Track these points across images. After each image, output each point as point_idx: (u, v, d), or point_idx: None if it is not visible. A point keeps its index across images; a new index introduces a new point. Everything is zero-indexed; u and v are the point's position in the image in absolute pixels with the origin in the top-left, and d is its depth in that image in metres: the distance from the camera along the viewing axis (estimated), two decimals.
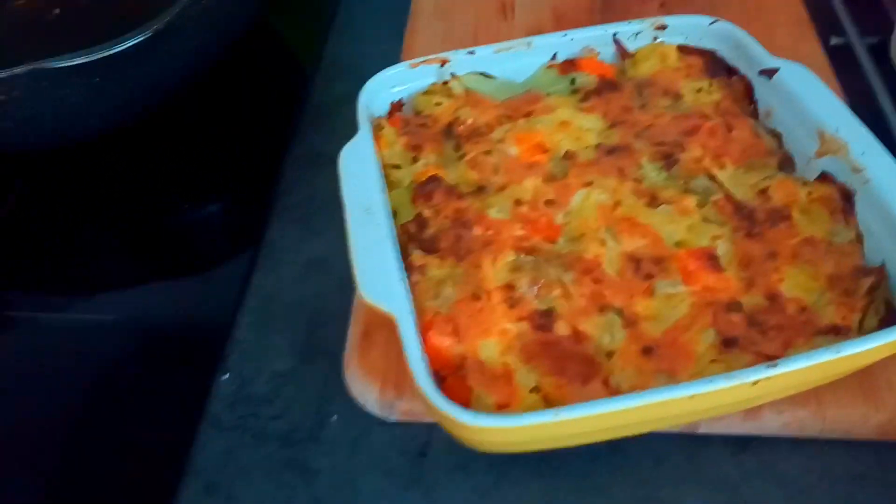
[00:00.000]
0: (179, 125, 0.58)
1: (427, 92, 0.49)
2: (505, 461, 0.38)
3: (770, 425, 0.37)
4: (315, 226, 0.51)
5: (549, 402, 0.34)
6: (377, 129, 0.46)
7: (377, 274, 0.36)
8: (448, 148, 0.46)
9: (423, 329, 0.36)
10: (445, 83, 0.49)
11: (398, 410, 0.37)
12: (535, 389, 0.34)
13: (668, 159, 0.43)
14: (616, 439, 0.37)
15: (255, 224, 0.51)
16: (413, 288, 0.38)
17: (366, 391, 0.39)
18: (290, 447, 0.40)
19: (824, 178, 0.41)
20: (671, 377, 0.34)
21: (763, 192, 0.41)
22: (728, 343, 0.35)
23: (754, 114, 0.47)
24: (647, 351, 0.35)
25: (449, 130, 0.46)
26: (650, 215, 0.40)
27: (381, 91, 0.48)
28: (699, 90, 0.48)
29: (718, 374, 0.31)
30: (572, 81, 0.50)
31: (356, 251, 0.37)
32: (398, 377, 0.39)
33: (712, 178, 0.43)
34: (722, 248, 0.39)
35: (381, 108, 0.48)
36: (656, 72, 0.49)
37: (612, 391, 0.34)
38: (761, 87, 0.47)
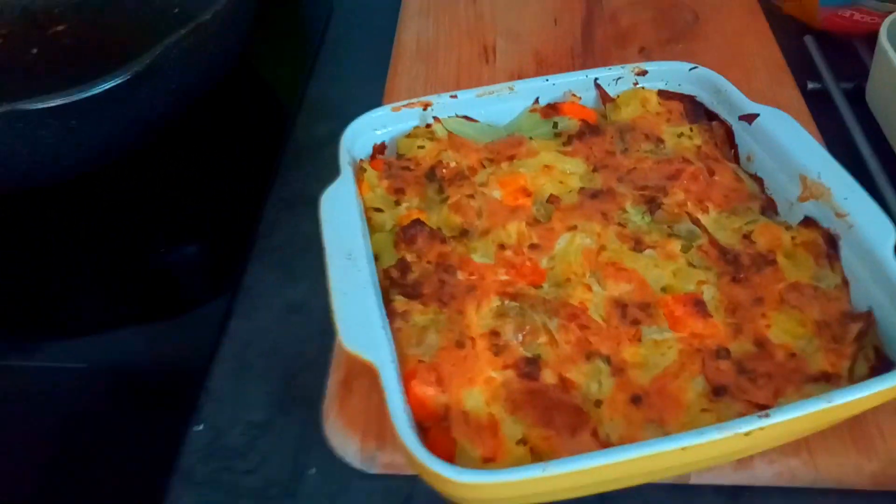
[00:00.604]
0: (157, 165, 0.57)
1: (410, 135, 0.49)
2: None
3: (762, 475, 0.36)
4: (295, 269, 0.49)
5: (536, 455, 0.33)
6: (359, 172, 0.45)
7: (358, 322, 0.35)
8: (431, 191, 0.45)
9: (406, 378, 0.34)
10: (428, 126, 0.49)
11: (379, 462, 0.36)
12: (522, 441, 0.33)
13: (651, 203, 0.43)
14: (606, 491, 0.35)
15: (233, 268, 0.50)
16: (395, 335, 0.37)
17: (345, 442, 0.38)
18: (266, 503, 0.38)
19: (808, 222, 0.41)
20: (661, 427, 0.33)
21: (747, 237, 0.41)
22: (718, 391, 0.34)
23: (735, 158, 0.48)
24: (636, 400, 0.34)
25: (432, 174, 0.46)
26: (635, 260, 0.40)
27: (363, 134, 0.48)
28: (680, 135, 0.48)
29: (710, 426, 0.31)
30: (555, 125, 0.50)
31: (337, 298, 0.36)
32: (379, 428, 0.38)
33: (696, 222, 0.42)
34: (708, 294, 0.38)
35: (364, 150, 0.48)
36: (637, 116, 0.49)
37: (602, 443, 0.33)
38: (742, 133, 0.47)
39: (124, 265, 0.52)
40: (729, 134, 0.48)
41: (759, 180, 0.46)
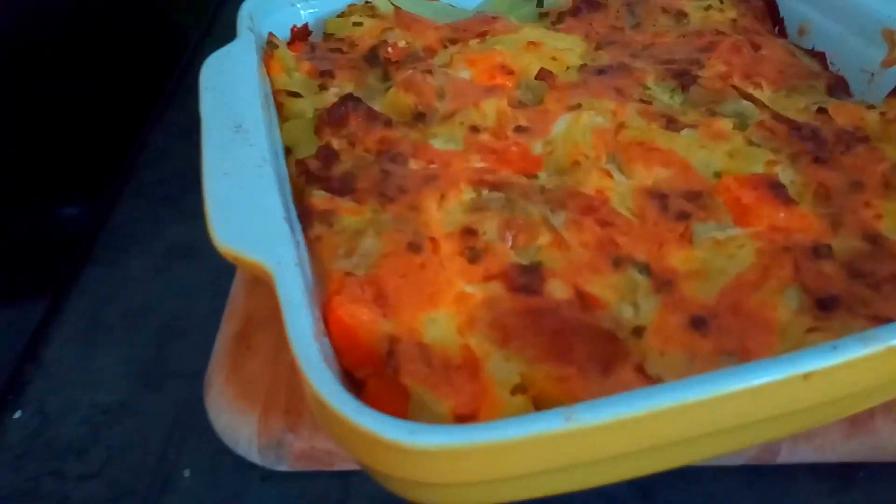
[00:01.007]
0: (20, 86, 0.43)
1: (343, 14, 0.37)
2: None
3: (888, 442, 0.24)
4: (184, 205, 0.36)
5: (543, 407, 0.20)
6: (269, 48, 0.33)
7: (243, 209, 0.22)
8: (372, 77, 0.33)
9: (327, 299, 0.22)
10: (367, 3, 0.37)
11: (290, 452, 0.23)
12: (520, 389, 0.20)
13: (683, 78, 0.32)
14: (646, 479, 0.22)
15: (99, 203, 0.36)
16: (313, 245, 0.24)
17: (238, 423, 0.25)
18: None
19: None
20: (746, 360, 0.21)
21: (822, 113, 0.30)
22: (826, 304, 0.22)
23: (782, 34, 0.37)
24: (699, 323, 0.22)
25: (373, 56, 0.34)
26: (671, 140, 0.28)
27: (277, 8, 0.35)
28: (708, 7, 0.37)
29: (846, 339, 0.18)
30: (539, 3, 0.38)
31: (212, 179, 0.23)
32: (290, 398, 0.25)
33: (748, 97, 0.31)
34: (785, 177, 0.27)
35: (279, 32, 0.35)
36: None
37: (654, 383, 0.20)
38: (790, 1, 0.36)
39: None
40: (770, 6, 0.37)
41: (818, 56, 0.34)
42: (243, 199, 0.22)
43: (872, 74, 0.32)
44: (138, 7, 0.50)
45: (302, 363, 0.18)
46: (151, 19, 0.51)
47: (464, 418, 0.19)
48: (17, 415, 0.27)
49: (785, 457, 0.25)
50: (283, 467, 0.25)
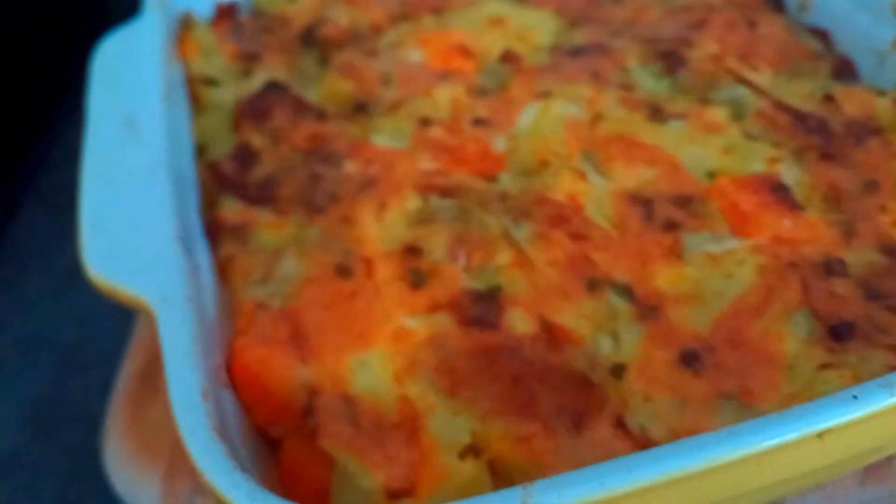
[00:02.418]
0: None
1: None
2: None
3: None
4: None
5: (500, 476, 0.17)
6: (184, 29, 0.29)
7: (125, 227, 0.19)
8: (307, 61, 0.30)
9: (234, 337, 0.18)
10: None
11: None
12: (471, 451, 0.17)
13: (669, 59, 0.29)
14: None
15: None
16: (223, 268, 0.20)
17: (138, 483, 0.21)
18: None
19: None
20: (746, 406, 0.18)
21: (829, 100, 0.27)
22: (840, 333, 0.19)
23: (780, 10, 0.34)
24: (690, 359, 0.19)
25: (309, 36, 0.31)
26: (656, 133, 0.25)
27: None
28: None
29: (866, 385, 0.15)
30: None
31: (91, 187, 0.19)
32: None
33: (745, 82, 0.28)
34: (789, 177, 0.24)
35: (202, 11, 0.32)
36: None
37: (636, 441, 0.17)
38: None
39: None
40: None
41: (820, 34, 0.32)
42: (125, 214, 0.19)
43: (882, 55, 0.29)
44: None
45: (182, 431, 0.15)
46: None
47: (398, 494, 0.16)
48: None
49: None
50: None
